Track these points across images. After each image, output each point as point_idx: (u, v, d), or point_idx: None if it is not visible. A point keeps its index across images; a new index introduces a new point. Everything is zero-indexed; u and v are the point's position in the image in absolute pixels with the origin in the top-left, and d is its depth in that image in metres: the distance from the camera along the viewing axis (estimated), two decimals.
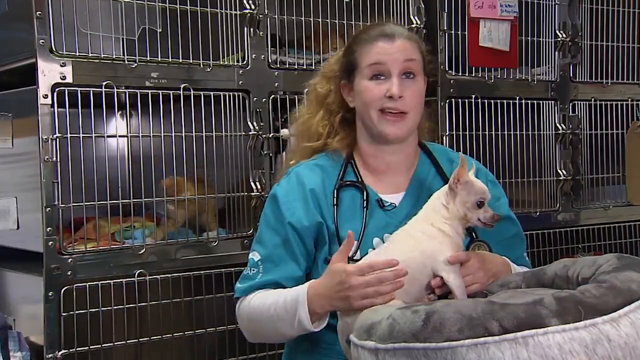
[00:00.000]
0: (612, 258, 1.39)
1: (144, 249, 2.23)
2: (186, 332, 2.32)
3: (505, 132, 2.88)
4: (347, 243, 1.63)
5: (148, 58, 2.24)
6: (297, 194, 1.78)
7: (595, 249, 3.14)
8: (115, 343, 2.19)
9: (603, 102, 3.14)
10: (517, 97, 2.90)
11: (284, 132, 2.54)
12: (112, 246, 2.22)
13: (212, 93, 2.33)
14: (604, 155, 3.16)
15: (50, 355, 2.08)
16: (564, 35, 3.01)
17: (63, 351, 2.10)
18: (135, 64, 2.21)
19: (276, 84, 2.47)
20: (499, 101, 2.86)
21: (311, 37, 2.61)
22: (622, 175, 3.11)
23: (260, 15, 2.41)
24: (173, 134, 2.29)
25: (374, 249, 1.73)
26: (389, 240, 1.70)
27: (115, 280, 2.18)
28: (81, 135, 2.16)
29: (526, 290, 1.50)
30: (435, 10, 2.74)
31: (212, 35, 2.33)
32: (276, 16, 2.45)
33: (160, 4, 2.26)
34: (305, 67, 2.55)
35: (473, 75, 2.84)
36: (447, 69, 2.78)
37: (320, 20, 2.53)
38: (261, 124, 2.42)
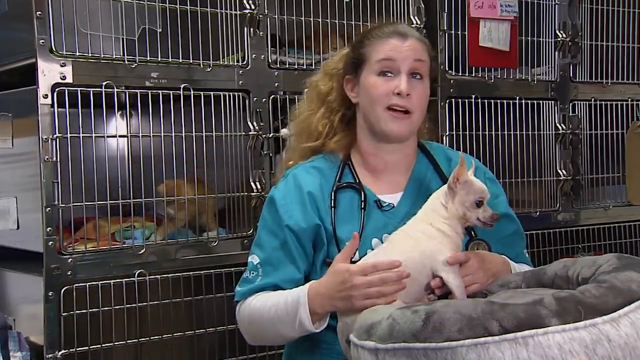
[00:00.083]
0: (612, 258, 1.39)
1: (144, 249, 2.23)
2: (186, 332, 2.32)
3: (505, 132, 2.88)
4: (352, 244, 1.63)
5: (148, 58, 2.24)
6: (294, 196, 1.79)
7: (595, 249, 3.14)
8: (115, 343, 2.19)
9: (603, 102, 3.14)
10: (517, 97, 2.90)
11: (284, 131, 2.54)
12: (112, 246, 2.22)
13: (212, 93, 2.33)
14: (604, 155, 3.16)
15: (50, 355, 2.08)
16: (564, 35, 3.01)
17: (63, 351, 2.10)
18: (135, 64, 2.21)
19: (276, 84, 2.47)
20: (499, 101, 2.86)
21: (311, 37, 2.61)
22: (622, 175, 3.11)
23: (260, 15, 2.41)
24: (173, 134, 2.29)
25: (372, 249, 1.72)
26: (388, 240, 1.70)
27: (115, 280, 2.18)
28: (81, 135, 2.16)
29: (526, 290, 1.50)
30: (435, 10, 2.74)
31: (212, 35, 2.33)
32: (276, 16, 2.45)
33: (160, 4, 2.26)
34: (305, 67, 2.54)
35: (473, 75, 2.84)
36: (447, 69, 2.78)
37: (320, 20, 2.53)
38: (261, 124, 2.42)
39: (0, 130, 2.32)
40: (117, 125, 2.48)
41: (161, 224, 2.38)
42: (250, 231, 2.40)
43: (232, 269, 2.32)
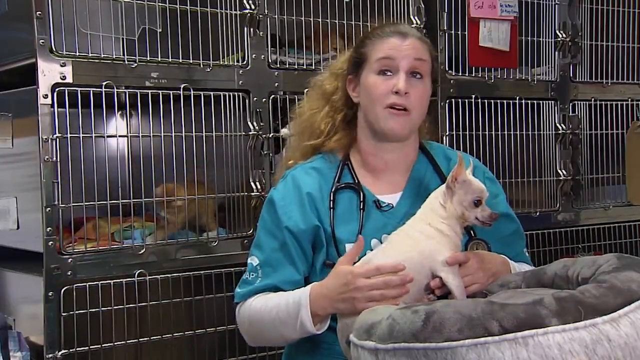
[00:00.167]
0: (612, 258, 1.39)
1: (144, 249, 2.23)
2: (186, 332, 2.32)
3: (505, 132, 2.88)
4: (357, 247, 1.63)
5: (148, 58, 2.24)
6: (293, 197, 1.79)
7: (595, 249, 3.14)
8: (115, 343, 2.19)
9: (603, 102, 3.14)
10: (517, 97, 2.90)
11: (284, 131, 2.54)
12: (112, 246, 2.22)
13: (212, 93, 2.33)
14: (604, 155, 3.16)
15: (50, 355, 2.08)
16: (564, 35, 3.01)
17: (63, 351, 2.10)
18: (135, 64, 2.21)
19: (276, 84, 2.47)
20: (499, 101, 2.86)
21: (311, 37, 2.61)
22: (622, 175, 3.11)
23: (260, 15, 2.41)
24: (173, 134, 2.29)
25: (371, 250, 1.72)
26: (387, 240, 1.70)
27: (115, 280, 2.18)
28: (81, 135, 2.16)
29: (526, 290, 1.50)
30: (435, 10, 2.74)
31: (212, 35, 2.33)
32: (276, 16, 2.45)
33: (160, 4, 2.26)
34: (305, 67, 2.55)
35: (473, 75, 2.84)
36: (447, 69, 2.78)
37: (320, 20, 2.52)
38: (261, 124, 2.42)
39: (0, 130, 2.32)
40: (117, 125, 2.48)
41: (160, 224, 2.37)
42: (250, 231, 2.40)
43: (232, 269, 2.32)
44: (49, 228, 2.08)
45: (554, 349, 1.18)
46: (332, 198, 1.79)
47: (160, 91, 2.24)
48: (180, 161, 2.28)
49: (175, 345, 2.30)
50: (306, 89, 2.40)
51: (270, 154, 2.45)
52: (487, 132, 2.83)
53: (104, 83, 2.15)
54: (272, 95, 2.46)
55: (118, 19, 2.20)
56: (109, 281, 2.17)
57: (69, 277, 2.11)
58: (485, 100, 2.83)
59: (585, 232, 3.12)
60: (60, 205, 2.09)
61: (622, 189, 3.12)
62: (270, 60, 2.46)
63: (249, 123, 2.41)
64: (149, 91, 2.23)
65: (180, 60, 2.30)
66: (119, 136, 2.32)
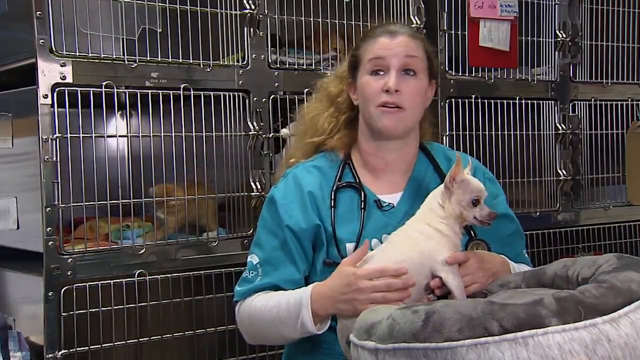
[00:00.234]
0: (612, 258, 1.39)
1: (144, 249, 2.23)
2: (186, 332, 2.32)
3: (505, 132, 2.88)
4: (362, 250, 1.63)
5: (148, 58, 2.24)
6: (294, 196, 1.78)
7: (595, 249, 3.14)
8: (115, 343, 2.19)
9: (603, 102, 3.15)
10: (517, 97, 2.90)
11: (284, 131, 2.54)
12: (112, 246, 2.22)
13: (212, 93, 2.33)
14: (604, 155, 3.16)
15: (50, 355, 2.08)
16: (564, 35, 3.01)
17: (63, 351, 2.10)
18: (135, 64, 2.21)
19: (276, 84, 2.47)
20: (499, 101, 2.86)
21: (311, 37, 2.61)
22: (622, 175, 3.11)
23: (260, 15, 2.41)
24: (173, 134, 2.29)
25: (372, 250, 1.72)
26: (387, 240, 1.70)
27: (115, 280, 2.18)
28: (81, 135, 2.16)
29: (526, 290, 1.50)
30: (435, 10, 2.74)
31: (212, 35, 2.33)
32: (276, 16, 2.45)
33: (160, 4, 2.26)
34: (305, 67, 2.55)
35: (473, 75, 2.84)
36: (447, 69, 2.78)
37: (320, 20, 2.53)
38: (261, 124, 2.42)
39: (0, 130, 2.32)
40: (117, 125, 2.48)
41: (158, 224, 2.37)
42: (250, 231, 2.40)
43: (232, 269, 2.32)
44: (49, 228, 2.08)
45: (554, 349, 1.18)
46: (333, 197, 1.79)
47: (160, 91, 2.24)
48: (180, 161, 2.28)
49: (175, 345, 2.30)
50: (306, 89, 2.42)
51: (270, 154, 2.45)
52: (487, 132, 2.83)
53: (104, 83, 2.15)
54: (272, 95, 2.46)
55: (118, 19, 2.20)
56: (109, 281, 2.17)
57: (69, 277, 2.11)
58: (485, 100, 2.83)
59: (585, 232, 3.12)
60: (60, 205, 2.09)
61: (622, 189, 3.12)
62: (270, 60, 2.46)
63: (249, 123, 2.41)
64: (149, 91, 2.23)
65: (180, 60, 2.30)
66: (119, 136, 2.32)
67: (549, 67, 3.03)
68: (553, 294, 1.26)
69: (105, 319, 2.16)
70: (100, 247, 2.21)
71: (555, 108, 3.03)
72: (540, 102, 3.00)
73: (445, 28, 2.76)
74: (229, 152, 2.39)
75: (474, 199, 1.62)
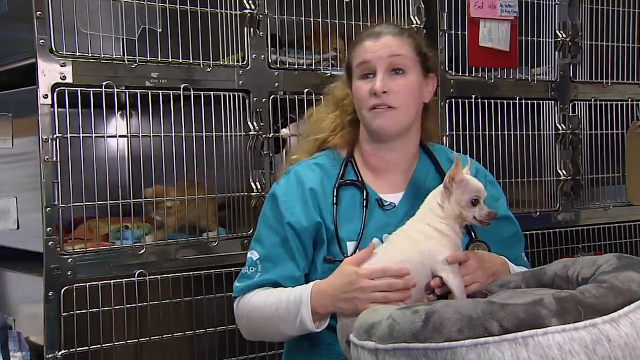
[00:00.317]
0: (612, 258, 1.39)
1: (144, 249, 2.23)
2: (186, 332, 2.32)
3: (505, 132, 2.88)
4: (366, 251, 1.63)
5: (148, 58, 2.24)
6: (296, 193, 1.78)
7: (595, 249, 3.14)
8: (115, 343, 2.19)
9: (603, 102, 3.15)
10: (517, 97, 2.90)
11: (284, 131, 2.54)
12: (112, 246, 2.22)
13: (212, 93, 2.33)
14: (604, 155, 3.16)
15: (50, 355, 2.08)
16: (564, 35, 3.01)
17: (63, 351, 2.10)
18: (135, 64, 2.21)
19: (276, 84, 2.47)
20: (499, 101, 2.86)
21: (311, 37, 2.61)
22: (622, 175, 3.11)
23: (260, 15, 2.41)
24: (173, 134, 2.29)
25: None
26: (388, 240, 1.70)
27: (115, 280, 2.18)
28: (81, 135, 2.16)
29: (526, 290, 1.50)
30: (435, 10, 2.74)
31: (212, 35, 2.33)
32: (276, 16, 2.45)
33: (160, 4, 2.26)
34: (305, 67, 2.55)
35: (473, 75, 2.84)
36: (447, 69, 2.78)
37: (320, 20, 2.52)
38: (261, 124, 2.42)
39: (0, 130, 2.32)
40: (117, 125, 2.48)
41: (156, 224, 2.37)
42: (250, 231, 2.39)
43: (232, 269, 2.32)
44: (49, 228, 2.08)
45: (554, 349, 1.18)
46: (335, 194, 1.79)
47: (160, 91, 2.24)
48: (180, 161, 2.28)
49: (175, 345, 2.30)
50: (306, 89, 2.43)
51: (270, 154, 2.45)
52: (487, 132, 2.83)
53: (104, 83, 2.15)
54: (272, 95, 2.46)
55: (118, 19, 2.20)
56: (109, 281, 2.17)
57: (69, 277, 2.11)
58: (485, 100, 2.83)
59: (585, 232, 3.12)
60: (60, 205, 2.09)
61: (622, 189, 3.12)
62: (270, 60, 2.46)
63: (249, 123, 2.41)
64: (149, 91, 2.23)
65: (180, 60, 2.30)
66: (119, 136, 2.32)
67: (549, 67, 3.03)
68: (553, 294, 1.26)
69: (105, 319, 2.16)
70: (100, 247, 2.21)
71: (555, 108, 3.03)
72: (540, 102, 3.00)
73: (445, 28, 2.76)
74: (229, 152, 2.39)
75: (473, 198, 1.62)
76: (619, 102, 3.18)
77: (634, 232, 3.27)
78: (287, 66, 2.51)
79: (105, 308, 2.16)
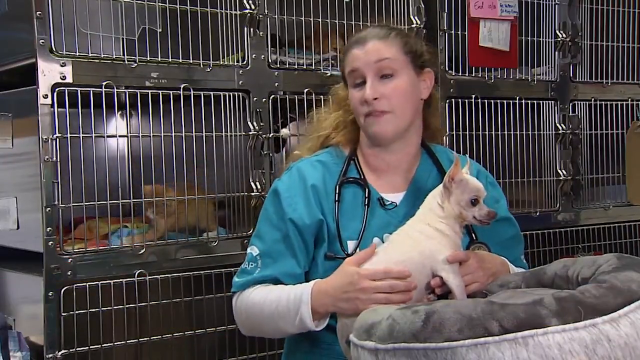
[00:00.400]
0: (612, 258, 1.39)
1: (144, 249, 2.23)
2: (186, 332, 2.32)
3: (505, 132, 2.88)
4: (367, 252, 1.63)
5: (148, 58, 2.24)
6: (298, 189, 1.78)
7: (595, 249, 3.14)
8: (115, 343, 2.19)
9: (603, 102, 3.15)
10: (517, 97, 2.90)
11: (284, 131, 2.54)
12: (112, 246, 2.22)
13: (212, 93, 2.33)
14: (604, 155, 3.16)
15: (50, 355, 2.08)
16: (564, 35, 3.01)
17: (63, 351, 2.10)
18: (135, 64, 2.21)
19: (276, 84, 2.47)
20: (499, 101, 2.86)
21: (311, 37, 2.61)
22: (622, 175, 3.11)
23: (260, 15, 2.41)
24: (173, 134, 2.29)
25: None
26: (388, 240, 1.70)
27: (115, 280, 2.18)
28: (81, 135, 2.16)
29: (526, 290, 1.50)
30: (435, 10, 2.74)
31: (212, 35, 2.33)
32: (276, 16, 2.45)
33: (160, 4, 2.26)
34: (305, 67, 2.55)
35: (473, 75, 2.84)
36: (447, 69, 2.78)
37: (320, 20, 2.52)
38: (261, 124, 2.42)
39: (0, 130, 2.32)
40: (117, 125, 2.48)
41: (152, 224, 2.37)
42: (250, 231, 2.39)
43: (232, 269, 2.31)
44: (49, 228, 2.08)
45: (554, 349, 1.18)
46: (337, 191, 1.78)
47: (160, 91, 2.24)
48: (180, 161, 2.28)
49: (175, 345, 2.30)
50: (306, 89, 2.43)
51: (270, 154, 2.45)
52: (487, 132, 2.83)
53: (104, 83, 2.15)
54: (272, 95, 2.46)
55: (118, 19, 2.20)
56: (109, 281, 2.17)
57: (69, 277, 2.11)
58: (485, 100, 2.83)
59: (585, 232, 3.12)
60: (60, 205, 2.09)
61: (622, 189, 3.12)
62: (270, 60, 2.46)
63: (249, 123, 2.40)
64: (149, 91, 2.23)
65: (180, 60, 2.30)
66: (119, 136, 2.32)
67: (549, 67, 3.03)
68: (553, 294, 1.26)
69: (105, 319, 2.16)
70: (100, 247, 2.21)
71: (555, 108, 3.03)
72: (540, 102, 3.00)
73: (445, 28, 2.76)
74: (229, 152, 2.39)
75: (473, 198, 1.62)
76: (619, 102, 3.18)
77: (634, 232, 3.27)
78: (287, 66, 2.51)
79: (105, 308, 2.16)
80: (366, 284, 1.56)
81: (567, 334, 1.19)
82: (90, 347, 2.15)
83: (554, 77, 3.03)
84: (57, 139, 2.08)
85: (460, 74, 2.80)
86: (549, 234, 3.02)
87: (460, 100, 2.78)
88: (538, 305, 1.23)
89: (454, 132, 2.75)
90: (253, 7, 2.38)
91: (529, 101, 2.95)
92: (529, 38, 2.94)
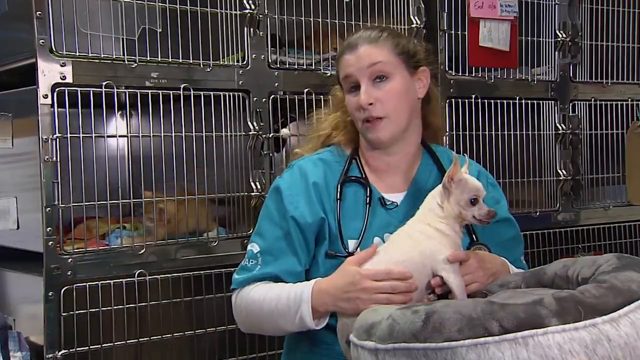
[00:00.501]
0: (612, 258, 1.39)
1: (144, 249, 2.23)
2: (186, 332, 2.32)
3: (505, 132, 2.88)
4: (368, 252, 1.63)
5: (148, 58, 2.24)
6: (300, 187, 1.78)
7: (595, 249, 3.14)
8: (115, 343, 2.19)
9: (603, 102, 3.15)
10: (517, 97, 2.90)
11: (284, 131, 2.54)
12: (112, 246, 2.22)
13: (212, 93, 2.33)
14: (604, 155, 3.16)
15: (50, 355, 2.08)
16: (564, 35, 3.01)
17: (63, 351, 2.10)
18: (135, 64, 2.21)
19: (276, 84, 2.47)
20: (499, 101, 2.86)
21: (311, 37, 2.61)
22: (622, 175, 3.11)
23: (260, 15, 2.41)
24: (173, 134, 2.29)
25: None
26: (389, 240, 1.70)
27: (115, 280, 2.18)
28: (81, 135, 2.16)
29: (526, 290, 1.50)
30: (435, 10, 2.74)
31: (212, 35, 2.33)
32: (276, 16, 2.45)
33: (160, 4, 2.26)
34: (305, 67, 2.55)
35: (473, 75, 2.84)
36: (447, 69, 2.78)
37: (320, 20, 2.52)
38: (261, 124, 2.42)
39: (0, 130, 2.32)
40: (117, 125, 2.48)
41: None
42: (250, 231, 2.38)
43: (232, 269, 2.30)
44: (49, 228, 2.08)
45: (554, 349, 1.18)
46: (339, 189, 1.78)
47: (160, 91, 2.24)
48: (181, 161, 2.28)
49: (175, 345, 2.30)
50: (306, 89, 2.43)
51: (270, 154, 2.45)
52: (487, 132, 2.83)
53: (104, 83, 2.15)
54: (272, 95, 2.46)
55: (118, 19, 2.20)
56: (109, 281, 2.17)
57: (69, 277, 2.11)
58: (485, 100, 2.83)
59: (585, 232, 3.12)
60: (60, 205, 2.09)
61: (622, 189, 3.12)
62: (270, 60, 2.46)
63: (249, 123, 2.40)
64: (149, 91, 2.23)
65: (180, 60, 2.30)
66: (119, 136, 2.32)
67: (549, 67, 3.03)
68: (553, 294, 1.26)
69: (105, 319, 2.16)
70: (100, 247, 2.21)
71: (555, 108, 3.03)
72: (540, 102, 3.00)
73: (445, 28, 2.76)
74: (229, 152, 2.39)
75: (473, 198, 1.62)
76: (619, 102, 3.18)
77: (634, 232, 3.27)
78: (287, 66, 2.51)
79: (105, 308, 2.16)
80: (368, 284, 1.56)
81: (567, 334, 1.19)
82: (90, 347, 2.15)
83: (554, 77, 3.03)
84: (57, 139, 2.08)
85: (460, 74, 2.80)
86: (549, 234, 3.02)
87: (460, 100, 2.78)
88: (538, 305, 1.23)
89: (454, 132, 2.75)
90: (253, 7, 2.38)
91: (529, 101, 2.95)
92: (529, 38, 2.94)
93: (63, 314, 2.09)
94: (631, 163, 2.96)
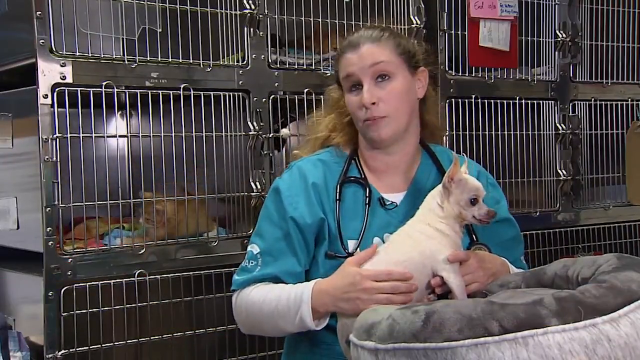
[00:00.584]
0: (612, 258, 1.39)
1: (144, 249, 2.23)
2: (186, 332, 2.32)
3: (505, 132, 2.88)
4: (368, 252, 1.64)
5: (148, 58, 2.24)
6: (299, 188, 1.78)
7: (595, 249, 3.14)
8: (115, 343, 2.19)
9: (603, 102, 3.15)
10: (517, 97, 2.90)
11: (284, 131, 2.54)
12: (111, 246, 2.22)
13: (212, 93, 2.33)
14: (604, 155, 3.16)
15: (50, 355, 2.08)
16: (564, 35, 3.01)
17: (63, 351, 2.10)
18: (135, 64, 2.21)
19: (276, 84, 2.47)
20: (499, 101, 2.86)
21: (311, 37, 2.61)
22: (622, 175, 3.11)
23: (260, 15, 2.41)
24: (173, 134, 2.29)
25: None
26: (389, 240, 1.70)
27: (115, 280, 2.18)
28: (81, 135, 2.16)
29: (526, 290, 1.50)
30: (435, 10, 2.74)
31: (212, 35, 2.33)
32: (276, 16, 2.45)
33: (160, 4, 2.26)
34: (305, 67, 2.55)
35: (473, 75, 2.84)
36: (447, 69, 2.78)
37: (320, 20, 2.52)
38: (261, 124, 2.42)
39: (0, 130, 2.32)
40: (117, 125, 2.48)
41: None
42: (250, 231, 2.38)
43: (232, 269, 2.31)
44: (49, 228, 2.08)
45: (554, 349, 1.18)
46: (338, 190, 1.78)
47: (160, 91, 2.24)
48: (181, 161, 2.28)
49: (175, 345, 2.30)
50: (306, 89, 2.43)
51: (270, 154, 2.45)
52: (487, 132, 2.83)
53: (104, 83, 2.15)
54: (272, 95, 2.46)
55: (118, 19, 2.20)
56: (109, 281, 2.17)
57: (69, 277, 2.11)
58: (485, 100, 2.83)
59: (585, 232, 3.12)
60: (60, 205, 2.09)
61: (622, 189, 3.12)
62: (270, 60, 2.46)
63: (249, 123, 2.40)
64: (149, 91, 2.23)
65: (180, 60, 2.30)
66: (119, 136, 2.32)
67: (549, 67, 3.03)
68: (553, 294, 1.26)
69: (105, 319, 2.16)
70: (100, 247, 2.21)
71: (555, 108, 3.03)
72: (540, 102, 3.00)
73: (445, 28, 2.75)
74: (229, 152, 2.39)
75: (472, 197, 1.62)
76: (619, 102, 3.18)
77: (634, 232, 3.27)
78: (287, 66, 2.51)
79: (105, 308, 2.16)
80: (368, 284, 1.56)
81: (567, 334, 1.19)
82: (90, 347, 2.15)
83: (554, 77, 3.03)
84: (57, 139, 2.08)
85: (460, 74, 2.80)
86: (549, 234, 3.02)
87: (460, 100, 2.78)
88: (538, 305, 1.23)
89: (454, 132, 2.75)
90: (253, 7, 2.38)
91: (529, 101, 2.95)
92: (529, 38, 2.94)
93: (63, 314, 2.09)
94: (631, 163, 2.96)
